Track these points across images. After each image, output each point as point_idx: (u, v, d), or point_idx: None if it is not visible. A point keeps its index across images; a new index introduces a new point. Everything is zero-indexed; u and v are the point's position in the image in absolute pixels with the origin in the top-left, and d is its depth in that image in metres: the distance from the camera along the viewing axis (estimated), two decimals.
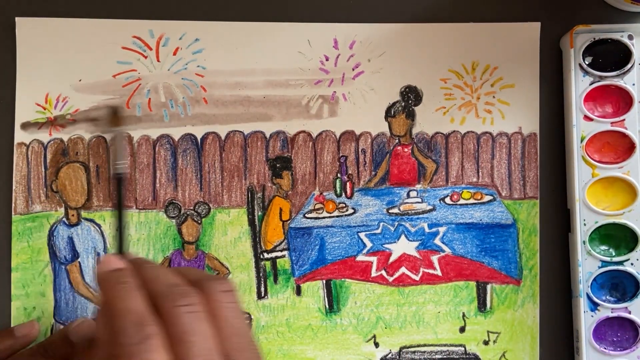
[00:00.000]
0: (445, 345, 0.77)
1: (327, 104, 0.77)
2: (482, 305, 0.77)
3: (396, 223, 0.77)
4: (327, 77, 0.77)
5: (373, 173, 0.78)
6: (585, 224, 0.74)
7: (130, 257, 0.57)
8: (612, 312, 0.74)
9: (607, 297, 0.75)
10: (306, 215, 0.77)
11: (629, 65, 0.74)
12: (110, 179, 0.70)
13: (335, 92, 0.77)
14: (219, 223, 0.77)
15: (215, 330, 0.50)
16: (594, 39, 0.74)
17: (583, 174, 0.74)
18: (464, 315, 0.77)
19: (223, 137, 0.77)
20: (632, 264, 0.74)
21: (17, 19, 0.75)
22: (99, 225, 0.76)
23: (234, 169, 0.77)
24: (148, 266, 0.55)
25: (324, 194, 0.77)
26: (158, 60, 0.76)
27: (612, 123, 0.74)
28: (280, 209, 0.77)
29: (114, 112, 0.68)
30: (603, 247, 0.75)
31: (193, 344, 0.49)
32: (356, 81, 0.77)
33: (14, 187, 0.75)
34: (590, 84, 0.74)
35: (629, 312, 0.74)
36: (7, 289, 0.75)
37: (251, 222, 0.77)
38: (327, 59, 0.77)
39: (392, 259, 0.77)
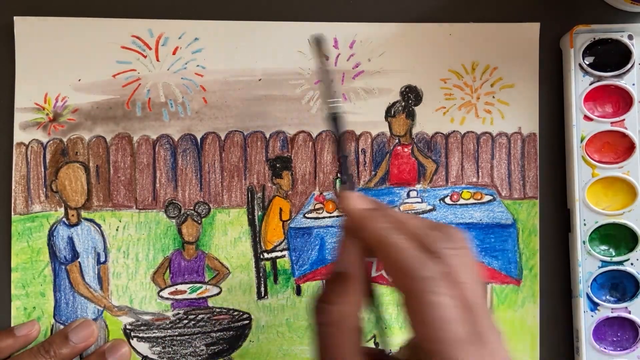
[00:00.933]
0: None
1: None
2: None
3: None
4: None
5: (373, 173, 0.78)
6: (585, 224, 0.74)
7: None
8: (612, 312, 0.74)
9: (607, 297, 0.75)
10: (306, 215, 0.77)
11: (628, 65, 0.74)
12: (326, 118, 0.65)
13: (335, 92, 0.77)
14: (219, 223, 0.77)
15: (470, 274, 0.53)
16: (594, 38, 0.74)
17: (583, 174, 0.74)
18: None
19: (223, 137, 0.77)
20: (632, 264, 0.74)
21: (15, 18, 0.75)
22: (99, 225, 0.76)
23: (234, 169, 0.77)
24: (388, 207, 0.58)
25: (324, 194, 0.77)
26: (157, 60, 0.76)
27: (612, 123, 0.75)
28: (280, 209, 0.77)
29: (317, 42, 0.65)
30: (603, 247, 0.75)
31: (466, 285, 0.51)
32: (356, 81, 0.77)
33: (13, 187, 0.75)
34: (590, 84, 0.75)
35: (629, 312, 0.74)
36: (7, 289, 0.75)
37: (251, 222, 0.77)
38: (327, 59, 0.77)
39: None
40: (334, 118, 0.61)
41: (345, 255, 0.57)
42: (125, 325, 0.76)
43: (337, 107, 0.61)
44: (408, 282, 0.51)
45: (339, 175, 0.63)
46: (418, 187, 0.78)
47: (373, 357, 0.57)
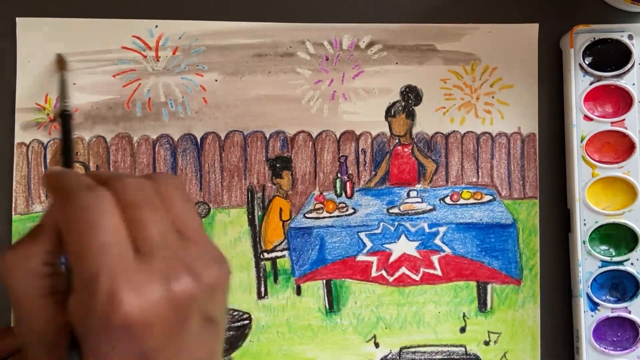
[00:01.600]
0: (445, 345, 0.77)
1: (327, 104, 0.77)
2: (482, 306, 0.77)
3: (396, 223, 0.77)
4: (327, 77, 0.77)
5: (373, 173, 0.78)
6: (585, 224, 0.74)
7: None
8: (612, 312, 0.74)
9: (607, 297, 0.75)
10: (306, 215, 0.77)
11: (629, 65, 0.74)
12: (56, 116, 0.72)
13: (335, 92, 0.77)
14: (219, 223, 0.77)
15: (166, 207, 0.48)
16: (594, 38, 0.74)
17: (583, 174, 0.74)
18: (464, 315, 0.77)
19: (223, 137, 0.77)
20: (632, 264, 0.74)
21: (17, 19, 0.75)
22: None
23: (233, 169, 0.77)
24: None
25: (324, 193, 0.77)
26: (157, 60, 0.76)
27: (612, 123, 0.75)
28: (280, 209, 0.77)
29: (59, 58, 0.73)
30: (603, 247, 0.75)
31: (144, 210, 0.46)
32: (356, 81, 0.77)
33: (14, 187, 0.75)
34: (590, 84, 0.74)
35: (629, 312, 0.74)
36: None
37: (251, 222, 0.77)
38: (327, 59, 0.77)
39: (392, 259, 0.77)
40: (65, 115, 0.65)
41: (44, 212, 0.52)
42: None
43: (68, 106, 0.67)
44: (66, 209, 0.46)
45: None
46: (418, 187, 0.78)
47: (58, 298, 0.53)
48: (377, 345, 0.77)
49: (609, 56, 0.75)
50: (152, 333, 0.45)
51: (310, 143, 0.77)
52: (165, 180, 0.50)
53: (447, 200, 0.78)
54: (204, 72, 0.76)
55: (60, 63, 0.74)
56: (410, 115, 0.77)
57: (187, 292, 0.46)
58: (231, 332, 0.76)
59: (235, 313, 0.76)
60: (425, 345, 0.77)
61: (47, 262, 0.49)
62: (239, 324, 0.76)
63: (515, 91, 0.77)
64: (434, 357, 0.77)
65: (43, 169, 0.75)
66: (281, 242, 0.77)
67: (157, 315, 0.44)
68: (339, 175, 0.77)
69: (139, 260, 0.45)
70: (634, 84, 0.74)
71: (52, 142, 0.76)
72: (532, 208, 0.77)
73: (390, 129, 0.77)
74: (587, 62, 0.75)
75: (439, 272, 0.77)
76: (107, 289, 0.44)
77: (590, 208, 0.74)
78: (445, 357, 0.77)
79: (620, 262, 0.74)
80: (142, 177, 0.49)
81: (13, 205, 0.75)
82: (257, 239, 0.77)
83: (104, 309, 0.44)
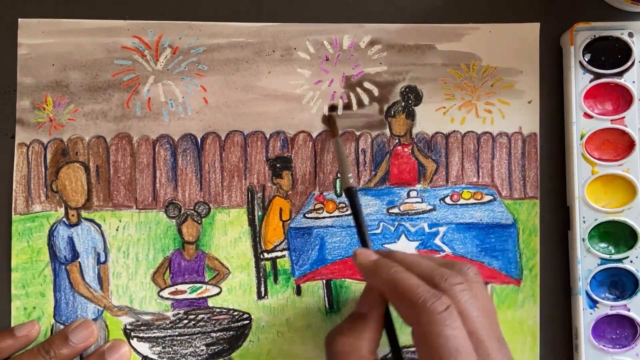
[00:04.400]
0: None
1: (328, 104, 0.77)
2: None
3: (396, 223, 0.77)
4: (327, 77, 0.77)
5: (373, 173, 0.78)
6: (584, 222, 0.74)
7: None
8: (611, 310, 0.74)
9: (606, 294, 0.75)
10: (306, 215, 0.77)
11: (629, 63, 0.74)
12: (343, 191, 0.74)
13: (335, 92, 0.77)
14: (219, 223, 0.77)
15: (488, 314, 0.59)
16: (594, 36, 0.75)
17: (583, 172, 0.75)
18: None
19: (223, 137, 0.77)
20: (631, 262, 0.74)
21: (20, 20, 0.75)
22: (99, 225, 0.76)
23: (234, 169, 0.77)
24: (399, 254, 0.65)
25: (324, 193, 0.77)
26: (157, 60, 0.76)
27: (612, 121, 0.75)
28: (280, 209, 0.77)
29: (329, 117, 0.78)
30: (602, 245, 0.75)
31: (475, 319, 0.57)
32: (356, 81, 0.77)
33: (14, 187, 0.75)
34: (590, 82, 0.75)
35: (628, 310, 0.74)
36: (7, 289, 0.75)
37: (251, 222, 0.77)
38: (327, 59, 0.77)
39: None
40: (351, 192, 0.72)
41: (364, 299, 0.65)
42: (125, 325, 0.76)
43: (352, 179, 0.73)
44: (419, 315, 0.56)
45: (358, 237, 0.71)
46: (418, 187, 0.78)
47: None
48: None
49: (609, 54, 0.75)
50: None
51: (310, 143, 0.77)
52: (480, 283, 0.61)
53: (447, 200, 0.78)
54: (204, 72, 0.77)
55: (332, 125, 0.77)
56: (410, 115, 0.77)
57: None
58: (231, 332, 0.76)
59: (235, 313, 0.76)
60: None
61: (372, 352, 0.61)
62: (238, 324, 0.76)
63: (516, 91, 0.77)
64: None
65: (43, 169, 0.75)
66: (281, 242, 0.77)
67: None
68: (339, 175, 0.77)
69: None
70: (634, 82, 0.74)
71: (52, 142, 0.76)
72: (533, 208, 0.77)
73: (390, 129, 0.78)
74: (587, 60, 0.75)
75: None
76: None
77: (589, 206, 0.74)
78: None
79: (620, 260, 0.74)
80: (462, 277, 0.60)
81: (13, 205, 0.75)
82: (257, 239, 0.77)
83: None
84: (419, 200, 0.78)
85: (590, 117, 0.74)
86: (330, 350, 0.62)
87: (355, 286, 0.77)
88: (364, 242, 0.70)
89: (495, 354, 0.56)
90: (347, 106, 0.77)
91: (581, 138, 0.74)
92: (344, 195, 0.76)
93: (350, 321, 0.63)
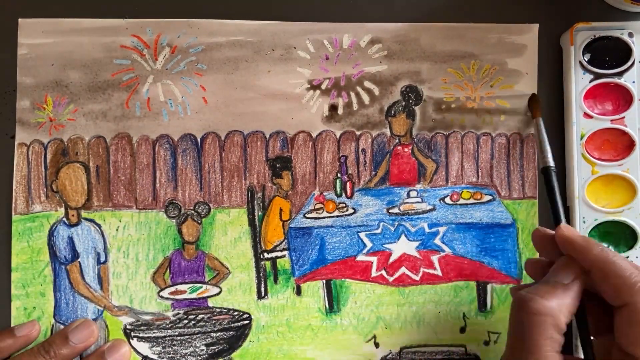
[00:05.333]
0: (445, 345, 0.77)
1: (328, 104, 0.77)
2: (482, 306, 0.77)
3: (396, 223, 0.77)
4: (327, 77, 0.77)
5: (373, 173, 0.78)
6: (584, 222, 0.74)
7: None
8: None
9: None
10: (306, 215, 0.77)
11: (629, 63, 0.74)
12: (539, 171, 0.75)
13: (335, 92, 0.77)
14: (219, 223, 0.77)
15: None
16: (594, 36, 0.75)
17: (583, 172, 0.75)
18: (464, 315, 0.77)
19: (223, 137, 0.77)
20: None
21: (20, 20, 0.75)
22: (99, 225, 0.76)
23: (233, 169, 0.77)
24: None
25: (324, 193, 0.77)
26: (156, 59, 0.76)
27: (611, 120, 0.75)
28: (280, 209, 0.77)
29: (534, 100, 0.77)
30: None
31: None
32: (356, 81, 0.77)
33: (14, 187, 0.75)
34: (590, 82, 0.75)
35: None
36: (7, 289, 0.75)
37: (251, 222, 0.77)
38: (327, 59, 0.77)
39: (392, 259, 0.77)
40: (548, 172, 0.72)
41: (566, 269, 0.62)
42: (125, 325, 0.76)
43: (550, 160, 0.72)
44: (633, 295, 0.57)
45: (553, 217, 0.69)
46: (418, 187, 0.78)
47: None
48: (377, 345, 0.77)
49: (609, 54, 0.75)
50: None
51: (310, 143, 0.77)
52: None
53: (447, 200, 0.78)
54: (203, 71, 0.77)
55: (537, 107, 0.77)
56: (411, 115, 0.77)
57: None
58: (231, 332, 0.76)
59: (235, 313, 0.76)
60: (425, 345, 0.77)
61: (566, 323, 0.59)
62: (239, 324, 0.76)
63: (516, 91, 0.77)
64: (434, 357, 0.77)
65: (43, 169, 0.75)
66: (281, 242, 0.77)
67: None
68: (339, 175, 0.77)
69: None
70: (633, 82, 0.75)
71: (52, 142, 0.76)
72: (532, 208, 0.77)
73: (391, 129, 0.78)
74: (587, 60, 0.75)
75: (439, 272, 0.77)
76: None
77: (589, 205, 0.74)
78: (445, 357, 0.77)
79: None
80: None
81: (13, 205, 0.75)
82: (257, 239, 0.77)
83: None
84: (419, 200, 0.78)
85: (590, 117, 0.74)
86: (525, 310, 0.59)
87: (356, 286, 0.77)
88: (557, 221, 0.68)
89: None
90: (347, 106, 0.77)
91: (581, 138, 0.74)
92: (540, 173, 0.75)
93: (548, 286, 0.61)
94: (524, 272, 0.77)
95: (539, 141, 0.74)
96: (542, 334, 0.57)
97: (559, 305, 0.58)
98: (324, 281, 0.77)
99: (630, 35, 0.74)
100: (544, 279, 0.62)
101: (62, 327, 0.75)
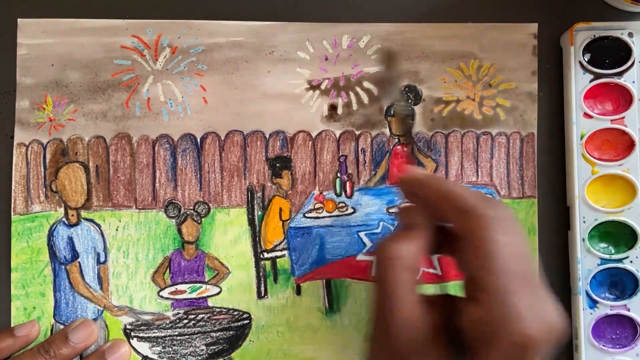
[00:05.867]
0: None
1: (327, 104, 0.77)
2: None
3: (396, 222, 0.77)
4: (327, 77, 0.77)
5: (373, 172, 0.78)
6: (584, 222, 0.74)
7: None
8: (611, 310, 0.74)
9: (606, 294, 0.75)
10: (306, 214, 0.77)
11: (629, 63, 0.74)
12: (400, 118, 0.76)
13: (335, 91, 0.77)
14: (218, 223, 0.77)
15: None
16: (594, 36, 0.75)
17: (583, 172, 0.75)
18: None
19: (222, 137, 0.77)
20: (631, 262, 0.74)
21: (19, 20, 0.75)
22: (98, 225, 0.76)
23: (233, 169, 0.77)
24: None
25: (324, 193, 0.77)
26: (156, 60, 0.76)
27: (612, 120, 0.75)
28: (280, 209, 0.77)
29: (388, 54, 0.77)
30: (602, 245, 0.75)
31: (519, 236, 0.57)
32: (356, 81, 0.77)
33: (13, 187, 0.75)
34: (590, 82, 0.75)
35: (628, 310, 0.74)
36: (7, 289, 0.75)
37: (251, 222, 0.77)
38: (327, 59, 0.77)
39: None
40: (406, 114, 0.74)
41: (410, 213, 0.62)
42: (125, 325, 0.76)
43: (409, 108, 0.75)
44: (471, 220, 0.56)
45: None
46: None
47: (428, 298, 0.59)
48: None
49: (609, 54, 0.75)
50: (534, 356, 0.52)
51: (310, 143, 0.77)
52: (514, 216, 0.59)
53: None
54: (204, 71, 0.77)
55: (390, 58, 0.77)
56: (410, 115, 0.77)
57: (559, 323, 0.54)
58: (231, 332, 0.76)
59: (235, 313, 0.76)
60: None
61: (419, 261, 0.58)
62: (238, 323, 0.76)
63: (515, 90, 0.77)
64: None
65: (42, 169, 0.75)
66: (281, 242, 0.77)
67: (544, 342, 0.53)
68: (338, 174, 0.78)
69: (531, 288, 0.54)
70: (634, 82, 0.75)
71: (51, 142, 0.76)
72: (531, 207, 0.78)
73: (390, 129, 0.78)
74: (587, 60, 0.75)
75: (438, 271, 0.77)
76: (517, 309, 0.52)
77: (589, 206, 0.74)
78: None
79: (620, 260, 0.74)
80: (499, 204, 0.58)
81: (12, 205, 0.75)
82: (257, 239, 0.77)
83: (511, 326, 0.52)
84: None
85: (590, 117, 0.75)
86: (381, 257, 0.58)
87: (355, 285, 0.77)
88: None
89: (535, 275, 0.56)
90: (347, 105, 0.77)
91: (581, 138, 0.75)
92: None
93: (400, 231, 0.61)
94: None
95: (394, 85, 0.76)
96: (395, 276, 0.57)
97: (409, 246, 0.58)
98: (324, 281, 0.77)
99: (630, 35, 0.74)
100: (399, 223, 0.64)
101: (62, 327, 0.75)
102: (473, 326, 0.54)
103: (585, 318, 0.74)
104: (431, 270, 0.77)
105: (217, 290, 0.76)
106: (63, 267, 0.75)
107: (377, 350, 0.59)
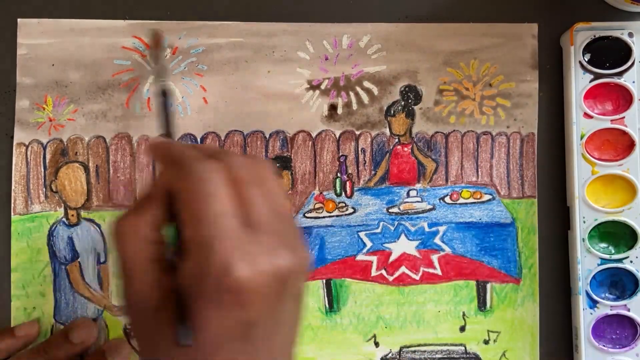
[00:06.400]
0: (445, 344, 0.77)
1: (327, 104, 0.77)
2: (482, 305, 0.77)
3: (396, 222, 0.77)
4: (327, 77, 0.77)
5: (373, 172, 0.78)
6: (584, 222, 0.74)
7: None
8: (611, 310, 0.74)
9: (606, 294, 0.75)
10: (306, 214, 0.77)
11: (629, 63, 0.74)
12: (155, 93, 0.75)
13: (335, 91, 0.77)
14: None
15: (267, 187, 0.53)
16: (594, 36, 0.75)
17: (583, 172, 0.75)
18: (464, 314, 0.77)
19: (223, 137, 0.77)
20: (631, 262, 0.74)
21: (19, 20, 0.75)
22: (98, 225, 0.76)
23: None
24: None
25: (324, 193, 0.77)
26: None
27: (612, 121, 0.75)
28: None
29: (155, 33, 0.74)
30: (602, 245, 0.75)
31: (244, 181, 0.52)
32: (356, 81, 0.77)
33: (13, 187, 0.75)
34: (590, 82, 0.75)
35: (628, 310, 0.74)
36: (7, 289, 0.75)
37: None
38: (327, 59, 0.77)
39: (392, 258, 0.77)
40: (164, 92, 0.69)
41: (147, 187, 0.64)
42: (125, 325, 0.76)
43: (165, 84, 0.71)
44: (183, 178, 0.52)
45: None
46: (418, 186, 0.78)
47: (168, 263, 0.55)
48: (377, 344, 0.77)
49: (609, 54, 0.75)
50: (257, 302, 0.49)
51: (310, 143, 0.77)
52: (263, 162, 0.56)
53: (447, 199, 0.78)
54: (204, 72, 0.76)
55: (156, 39, 0.74)
56: (410, 115, 0.77)
57: (288, 268, 0.50)
58: None
59: None
60: (425, 345, 0.77)
61: (156, 229, 0.54)
62: None
63: (516, 90, 0.77)
64: (434, 356, 0.77)
65: (42, 169, 0.75)
66: None
67: (264, 286, 0.49)
68: (338, 174, 0.77)
69: (248, 232, 0.50)
70: (634, 82, 0.74)
71: (51, 142, 0.76)
72: (531, 207, 0.78)
73: (390, 129, 0.78)
74: (587, 60, 0.75)
75: (438, 272, 0.77)
76: (221, 255, 0.48)
77: (589, 206, 0.74)
78: (445, 356, 0.77)
79: (620, 260, 0.74)
80: (242, 156, 0.55)
81: (12, 205, 0.75)
82: None
83: (217, 273, 0.48)
84: (419, 199, 0.78)
85: (590, 117, 0.75)
86: (114, 233, 0.54)
87: (355, 285, 0.77)
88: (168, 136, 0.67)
89: (264, 213, 0.52)
90: (347, 105, 0.77)
91: (581, 138, 0.74)
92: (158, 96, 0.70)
93: (135, 203, 0.60)
94: (523, 271, 0.77)
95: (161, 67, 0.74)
96: (127, 251, 0.53)
97: (139, 218, 0.54)
98: (324, 281, 0.77)
99: (630, 35, 0.74)
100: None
101: (62, 327, 0.75)
102: (186, 281, 0.50)
103: (585, 318, 0.74)
104: (431, 270, 0.77)
105: None
106: (63, 267, 0.75)
107: (125, 312, 0.60)
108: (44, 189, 0.76)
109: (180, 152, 0.55)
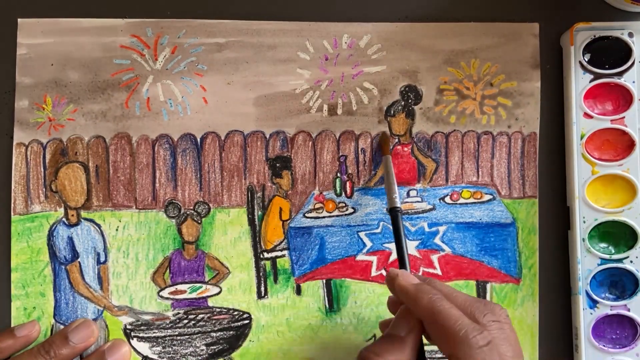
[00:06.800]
0: None
1: (327, 104, 0.77)
2: None
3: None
4: (327, 77, 0.77)
5: (373, 172, 0.78)
6: (584, 222, 0.74)
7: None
8: (611, 310, 0.74)
9: (606, 294, 0.75)
10: (306, 214, 0.77)
11: (629, 63, 0.74)
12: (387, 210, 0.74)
13: (335, 91, 0.77)
14: (218, 223, 0.77)
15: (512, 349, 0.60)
16: (594, 36, 0.75)
17: (583, 172, 0.75)
18: None
19: (223, 137, 0.77)
20: (631, 262, 0.74)
21: (19, 20, 0.75)
22: (98, 225, 0.76)
23: (233, 169, 0.77)
24: (437, 282, 0.65)
25: (324, 193, 0.77)
26: (156, 59, 0.76)
27: (612, 120, 0.75)
28: (280, 209, 0.77)
29: (384, 138, 0.77)
30: (602, 245, 0.75)
31: (506, 357, 0.58)
32: (356, 81, 0.77)
33: (13, 188, 0.75)
34: (590, 82, 0.75)
35: (628, 310, 0.74)
36: (7, 289, 0.75)
37: (251, 222, 0.77)
38: (327, 59, 0.77)
39: (392, 258, 0.77)
40: (396, 212, 0.72)
41: (402, 321, 0.64)
42: (125, 325, 0.76)
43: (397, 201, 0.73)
44: (458, 347, 0.57)
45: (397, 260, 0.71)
46: (418, 186, 0.78)
47: None
48: None
49: (609, 54, 0.75)
50: None
51: (310, 143, 0.77)
52: (510, 326, 0.61)
53: (447, 199, 0.78)
54: (204, 72, 0.76)
55: (386, 144, 0.77)
56: (410, 115, 0.77)
57: None
58: (231, 332, 0.76)
59: (235, 313, 0.76)
60: (424, 344, 0.77)
61: None
62: (238, 323, 0.76)
63: (517, 90, 0.77)
64: (434, 356, 0.77)
65: (42, 169, 0.75)
66: (281, 242, 0.77)
67: None
68: (338, 174, 0.77)
69: None
70: (634, 82, 0.75)
71: (51, 142, 0.76)
72: (532, 207, 0.78)
73: (390, 129, 0.78)
74: (587, 60, 0.75)
75: (438, 272, 0.77)
76: None
77: (589, 206, 0.74)
78: (445, 356, 0.77)
79: (620, 260, 0.74)
80: (495, 315, 0.61)
81: (12, 205, 0.75)
82: (257, 239, 0.77)
83: None
84: (419, 199, 0.78)
85: (590, 117, 0.75)
86: None
87: (355, 285, 0.77)
88: (402, 264, 0.69)
89: None
90: (347, 105, 0.77)
91: (581, 138, 0.74)
92: (387, 213, 0.75)
93: (386, 342, 0.63)
94: (523, 271, 0.77)
95: (388, 181, 0.75)
96: None
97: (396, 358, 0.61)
98: (324, 281, 0.77)
99: (630, 35, 0.74)
100: (385, 332, 0.65)
101: (62, 327, 0.75)
102: None
103: (585, 318, 0.74)
104: (431, 270, 0.77)
105: (217, 290, 0.76)
106: (63, 267, 0.75)
107: None
108: (44, 189, 0.76)
109: (448, 314, 0.60)
